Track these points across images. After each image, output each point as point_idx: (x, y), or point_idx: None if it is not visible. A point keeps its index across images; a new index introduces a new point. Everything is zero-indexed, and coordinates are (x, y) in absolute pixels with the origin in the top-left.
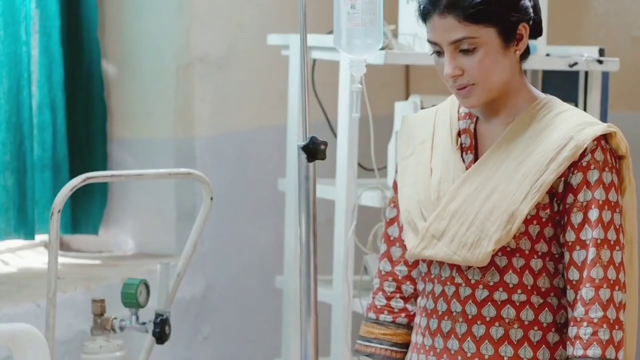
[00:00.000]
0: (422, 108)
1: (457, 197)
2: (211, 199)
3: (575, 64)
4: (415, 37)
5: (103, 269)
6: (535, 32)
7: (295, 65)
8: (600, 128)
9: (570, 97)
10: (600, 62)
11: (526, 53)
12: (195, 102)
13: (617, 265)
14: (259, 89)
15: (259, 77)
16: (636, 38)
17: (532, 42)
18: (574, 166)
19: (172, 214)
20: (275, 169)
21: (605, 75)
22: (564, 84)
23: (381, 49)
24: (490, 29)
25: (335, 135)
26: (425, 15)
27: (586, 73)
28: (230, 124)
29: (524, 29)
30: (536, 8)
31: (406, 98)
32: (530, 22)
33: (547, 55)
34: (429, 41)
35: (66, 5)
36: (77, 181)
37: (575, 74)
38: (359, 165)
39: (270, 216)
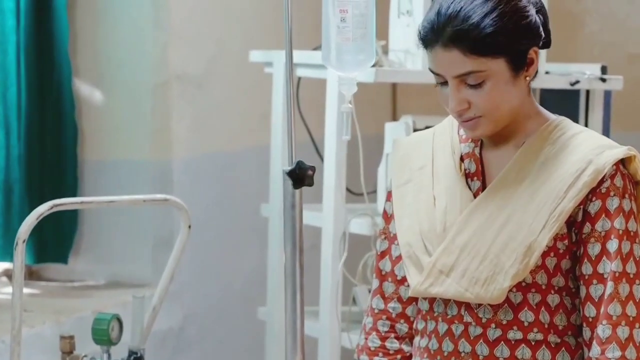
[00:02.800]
0: (414, 129)
1: (466, 228)
2: (189, 227)
3: (577, 82)
4: (406, 53)
5: (74, 300)
6: (545, 45)
7: (279, 84)
8: (620, 151)
9: (570, 117)
10: (603, 80)
11: (535, 72)
12: (173, 122)
13: (637, 300)
14: (241, 108)
15: (240, 96)
16: (632, 55)
17: None
18: (592, 193)
19: (148, 241)
20: (258, 193)
21: (607, 94)
22: (563, 103)
23: (372, 65)
24: (499, 59)
25: (321, 158)
26: (426, 43)
27: (587, 91)
28: (210, 145)
29: (534, 53)
30: (545, 23)
31: (393, 117)
32: (541, 42)
33: (547, 73)
34: (431, 71)
35: (33, 20)
36: (44, 209)
37: (576, 92)
38: (347, 189)
39: (252, 243)
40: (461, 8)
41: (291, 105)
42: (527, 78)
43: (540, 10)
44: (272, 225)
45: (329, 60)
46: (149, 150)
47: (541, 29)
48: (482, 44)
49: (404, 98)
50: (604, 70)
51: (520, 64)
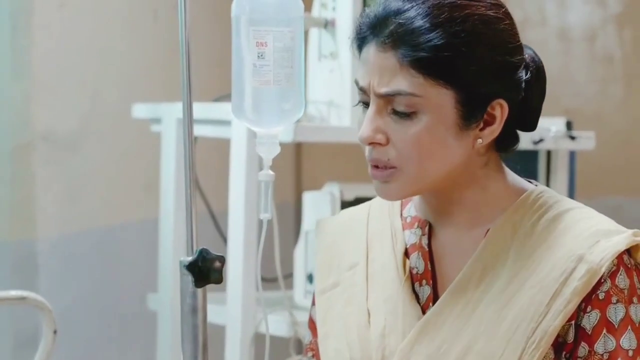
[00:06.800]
0: (342, 201)
1: (412, 359)
2: (54, 332)
3: (541, 140)
4: (330, 105)
5: None
6: (523, 125)
7: (170, 145)
8: (622, 240)
9: None
10: (572, 137)
11: (507, 142)
12: (38, 193)
13: None
14: (122, 175)
15: (121, 160)
16: (568, 109)
17: None
18: (586, 301)
19: (8, 343)
20: (144, 279)
21: (572, 154)
22: (515, 166)
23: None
24: (444, 90)
25: (223, 237)
26: (359, 41)
27: (548, 151)
28: (84, 221)
29: (499, 107)
30: (533, 89)
31: (297, 180)
32: (513, 101)
33: None
34: (356, 83)
35: None
36: None
37: (533, 153)
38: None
39: (137, 343)
40: (416, 5)
41: (189, 172)
42: (479, 140)
43: (530, 67)
44: (161, 320)
45: (242, 112)
46: (7, 229)
47: (522, 86)
48: (430, 57)
49: (325, 160)
50: (569, 125)
51: (473, 112)
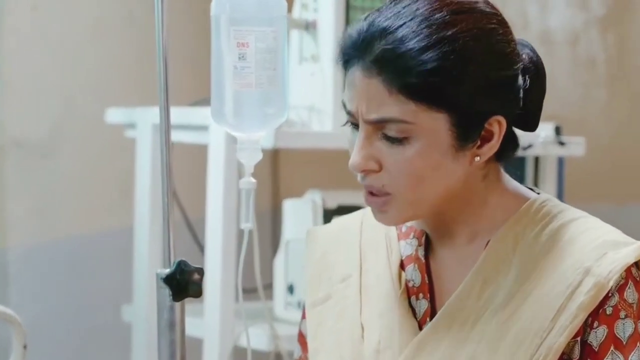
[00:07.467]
0: (324, 209)
1: None
2: (24, 347)
3: (530, 146)
4: (311, 110)
5: None
6: (524, 124)
7: (145, 150)
8: (631, 251)
9: None
10: (561, 143)
11: (507, 150)
12: (9, 201)
13: None
14: (95, 182)
15: (94, 167)
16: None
17: None
18: (593, 315)
19: None
20: (119, 290)
21: (560, 161)
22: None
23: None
24: (438, 114)
25: (200, 246)
26: (345, 61)
27: (535, 158)
28: (57, 230)
29: (497, 124)
30: (531, 91)
31: (273, 188)
32: (511, 115)
33: None
34: (344, 105)
35: None
36: None
37: (521, 159)
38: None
39: (111, 356)
40: (403, 24)
41: (167, 180)
42: (477, 158)
43: (529, 69)
44: (136, 333)
45: (222, 116)
46: None
47: (520, 100)
48: (420, 83)
49: (304, 167)
50: (558, 131)
51: (469, 132)
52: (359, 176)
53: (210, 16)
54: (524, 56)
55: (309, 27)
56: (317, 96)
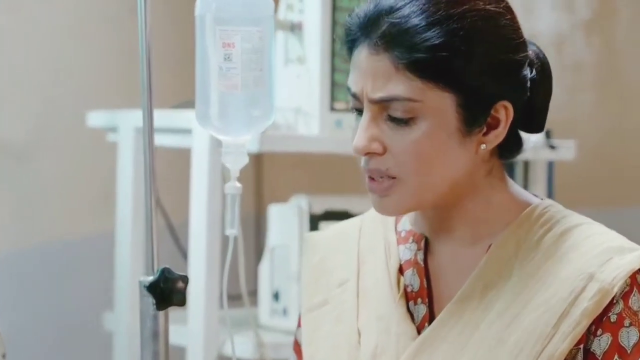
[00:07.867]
0: (310, 214)
1: None
2: (3, 356)
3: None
4: (298, 113)
5: None
6: (529, 124)
7: (127, 155)
8: (636, 257)
9: None
10: (552, 147)
11: (511, 147)
12: None
13: None
14: (76, 187)
15: (75, 171)
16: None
17: None
18: (596, 323)
19: None
20: (100, 297)
21: (550, 165)
22: None
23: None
24: (444, 93)
25: (183, 252)
26: (350, 42)
27: (525, 162)
28: (36, 235)
29: (504, 110)
30: (537, 88)
31: (257, 192)
32: (518, 102)
33: None
34: (348, 89)
35: None
36: None
37: (509, 163)
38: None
39: None
40: (410, 2)
41: (150, 185)
42: (483, 145)
43: (535, 64)
44: (118, 342)
45: (207, 119)
46: None
47: (527, 85)
48: (427, 59)
49: (288, 171)
50: (548, 134)
51: (476, 116)
52: (362, 160)
53: (195, 16)
54: (530, 52)
55: (295, 28)
56: (303, 98)
